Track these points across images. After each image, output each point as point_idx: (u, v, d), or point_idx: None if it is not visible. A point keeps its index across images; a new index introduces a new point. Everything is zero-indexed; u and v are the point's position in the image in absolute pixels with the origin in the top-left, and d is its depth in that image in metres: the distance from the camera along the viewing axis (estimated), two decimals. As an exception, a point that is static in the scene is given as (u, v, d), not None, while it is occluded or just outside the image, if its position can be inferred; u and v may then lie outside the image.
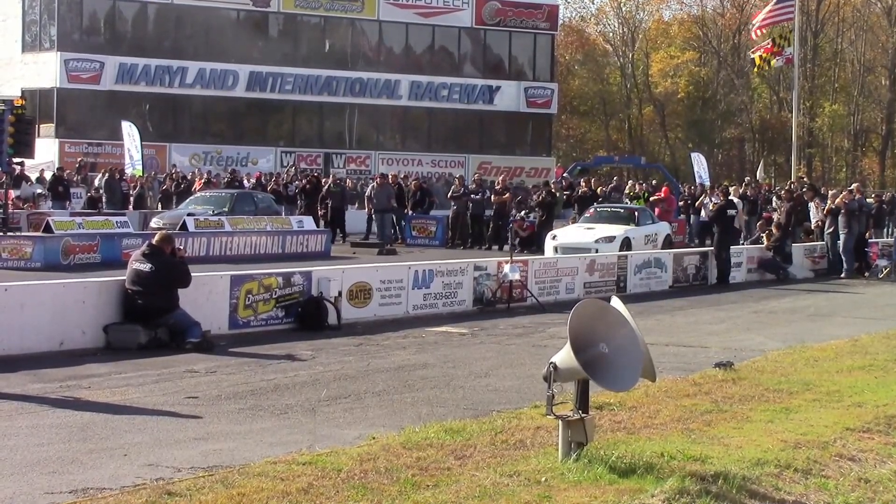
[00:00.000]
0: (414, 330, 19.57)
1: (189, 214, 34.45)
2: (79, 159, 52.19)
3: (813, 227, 36.74)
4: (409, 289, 21.58)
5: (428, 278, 22.00)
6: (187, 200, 39.09)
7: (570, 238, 33.86)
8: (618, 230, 33.98)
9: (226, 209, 35.85)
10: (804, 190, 41.29)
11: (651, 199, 42.10)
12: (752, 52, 55.97)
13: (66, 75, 57.01)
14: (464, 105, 66.37)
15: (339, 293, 19.93)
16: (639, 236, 34.46)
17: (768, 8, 53.34)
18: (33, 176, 46.11)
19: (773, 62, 54.42)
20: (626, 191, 46.90)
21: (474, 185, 42.52)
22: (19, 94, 46.70)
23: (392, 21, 64.46)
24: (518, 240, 37.46)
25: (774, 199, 43.24)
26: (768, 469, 9.85)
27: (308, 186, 42.11)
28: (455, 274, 22.62)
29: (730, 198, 32.99)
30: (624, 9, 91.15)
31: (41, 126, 53.15)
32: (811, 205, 37.91)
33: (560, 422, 9.72)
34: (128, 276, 17.14)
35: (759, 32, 54.76)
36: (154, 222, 35.26)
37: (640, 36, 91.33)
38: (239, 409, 12.40)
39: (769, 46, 53.34)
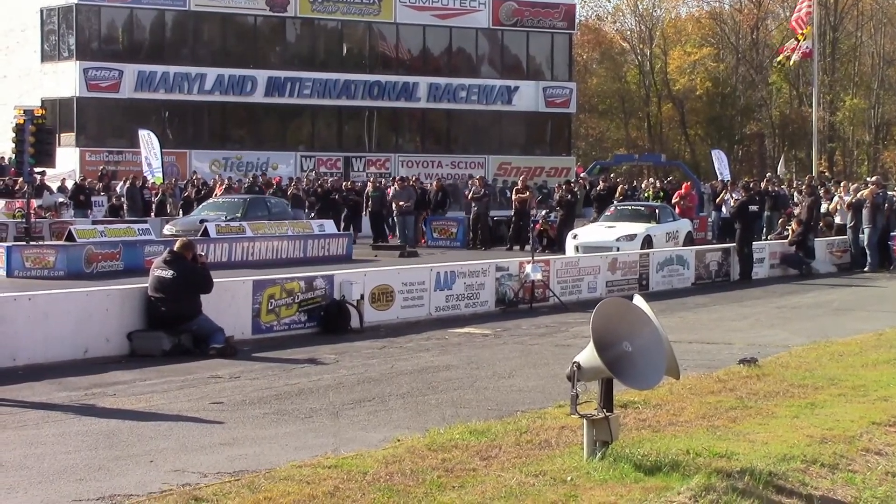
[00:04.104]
0: (437, 332, 19.57)
1: (202, 220, 34.55)
2: (100, 168, 52.34)
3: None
4: (431, 291, 21.58)
5: (450, 280, 22.01)
6: (200, 206, 39.19)
7: (591, 237, 33.78)
8: (639, 228, 33.91)
9: (238, 214, 35.88)
10: (827, 185, 41.21)
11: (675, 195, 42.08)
12: (779, 56, 56.04)
13: (86, 84, 57.14)
14: (482, 106, 66.30)
15: (362, 296, 19.96)
16: (660, 234, 34.39)
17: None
18: (54, 185, 46.28)
19: (793, 58, 54.34)
20: (643, 187, 46.84)
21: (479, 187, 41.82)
22: (39, 104, 46.85)
23: (409, 23, 64.43)
24: (545, 241, 37.39)
25: (796, 194, 43.15)
26: (794, 464, 9.82)
27: (319, 190, 42.23)
28: (477, 275, 22.61)
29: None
30: (641, 6, 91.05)
31: (62, 135, 53.19)
32: (836, 196, 37.77)
33: (585, 421, 9.70)
34: (150, 283, 17.18)
35: (798, 25, 54.57)
36: (167, 229, 35.34)
37: (658, 33, 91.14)
38: (263, 414, 12.42)
39: (794, 46, 53.31)
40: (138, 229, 31.90)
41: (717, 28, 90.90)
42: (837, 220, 35.26)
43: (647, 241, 33.07)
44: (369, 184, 45.27)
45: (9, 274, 28.13)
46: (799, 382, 13.60)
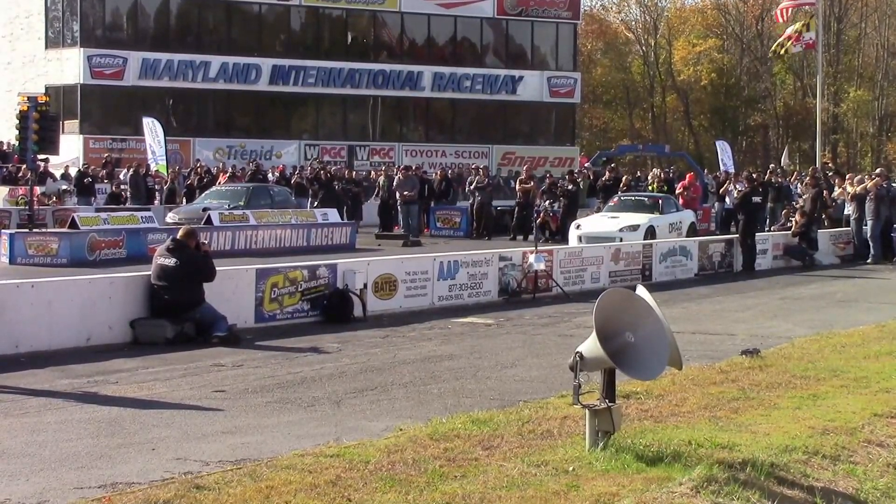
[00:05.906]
0: (440, 321, 19.56)
1: (205, 209, 34.57)
2: (104, 155, 52.34)
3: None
4: (434, 280, 21.58)
5: (453, 269, 22.00)
6: (203, 195, 39.19)
7: (594, 227, 33.80)
8: (642, 219, 33.93)
9: (241, 203, 35.88)
10: (831, 175, 41.15)
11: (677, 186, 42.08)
12: (776, 46, 55.84)
13: (90, 71, 57.13)
14: (487, 95, 66.31)
15: (365, 285, 19.95)
16: (663, 224, 34.39)
17: None
18: (58, 172, 46.27)
19: (789, 47, 54.13)
20: (647, 178, 46.87)
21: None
22: (43, 91, 46.83)
23: (414, 12, 64.40)
24: (548, 232, 37.39)
25: (799, 185, 43.12)
26: (796, 456, 9.82)
27: (323, 176, 42.23)
28: (480, 265, 22.61)
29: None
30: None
31: (65, 122, 53.35)
32: (837, 189, 37.75)
33: (587, 411, 9.71)
34: (153, 271, 17.19)
35: (783, 15, 54.42)
36: (169, 217, 35.39)
37: (663, 24, 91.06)
38: (266, 403, 12.42)
39: (792, 35, 53.14)
40: (141, 217, 31.91)
41: (722, 19, 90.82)
42: (848, 210, 34.97)
43: (651, 232, 33.07)
44: (375, 173, 45.24)
45: (12, 261, 28.18)
46: (801, 374, 13.60)
